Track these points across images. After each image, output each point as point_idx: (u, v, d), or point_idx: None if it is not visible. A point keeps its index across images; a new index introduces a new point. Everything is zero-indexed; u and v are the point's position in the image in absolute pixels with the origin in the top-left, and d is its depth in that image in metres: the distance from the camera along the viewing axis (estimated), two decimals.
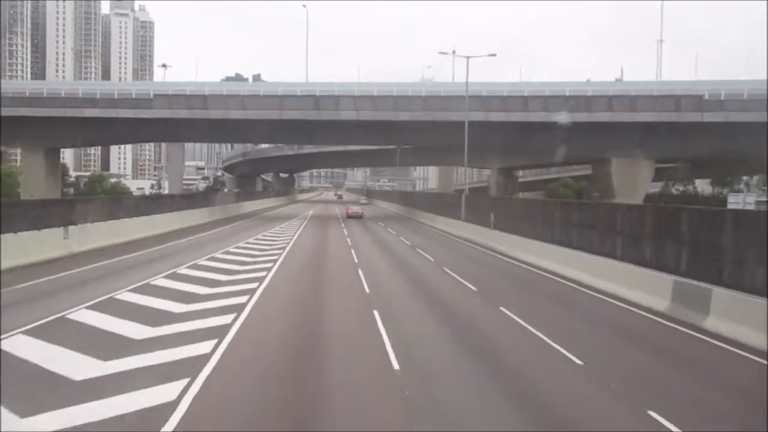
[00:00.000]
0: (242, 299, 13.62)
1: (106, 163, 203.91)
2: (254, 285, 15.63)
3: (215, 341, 9.94)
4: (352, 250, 24.68)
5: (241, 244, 26.32)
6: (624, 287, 15.04)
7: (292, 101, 44.06)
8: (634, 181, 44.37)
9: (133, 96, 45.36)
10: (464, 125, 36.76)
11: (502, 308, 13.30)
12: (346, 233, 33.78)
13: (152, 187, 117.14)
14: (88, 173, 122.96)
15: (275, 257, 21.87)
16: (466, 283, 17.00)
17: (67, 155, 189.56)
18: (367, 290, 15.47)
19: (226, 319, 11.61)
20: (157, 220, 30.53)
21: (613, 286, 15.56)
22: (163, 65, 72.21)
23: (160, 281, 16.12)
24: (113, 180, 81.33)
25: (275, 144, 79.92)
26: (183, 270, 18.20)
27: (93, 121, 45.11)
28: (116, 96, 45.37)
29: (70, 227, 22.42)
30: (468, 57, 34.65)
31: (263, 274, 17.70)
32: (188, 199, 42.24)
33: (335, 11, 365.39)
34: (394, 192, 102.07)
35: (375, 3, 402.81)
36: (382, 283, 16.87)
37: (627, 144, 43.47)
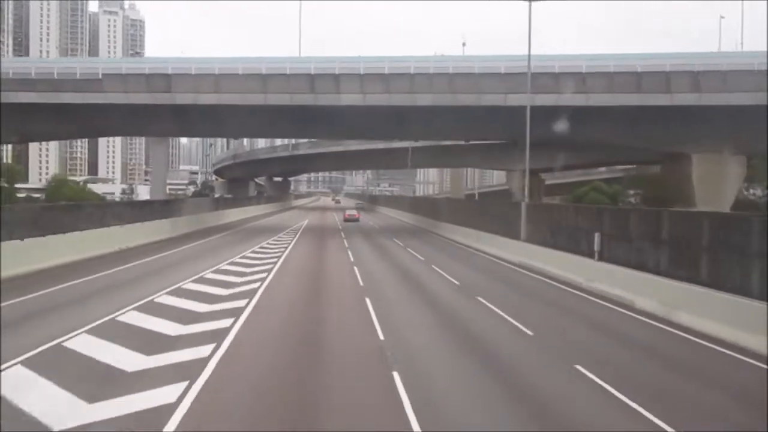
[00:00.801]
0: None
1: (94, 167, 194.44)
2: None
3: None
4: (368, 302, 14.58)
5: (198, 279, 16.26)
6: None
7: (280, 81, 34.05)
8: (720, 183, 34.50)
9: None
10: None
11: None
12: (351, 259, 23.59)
13: (123, 192, 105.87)
14: (83, 178, 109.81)
15: (242, 305, 11.84)
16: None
17: (51, 159, 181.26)
18: None
19: None
20: (73, 240, 20.49)
21: None
22: (136, 53, 62.09)
23: None
24: (81, 184, 71.10)
25: (265, 138, 69.93)
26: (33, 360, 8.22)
27: (31, 108, 35.10)
28: (56, 76, 35.35)
29: None
30: (530, 0, 24.14)
31: (207, 350, 7.71)
32: (144, 209, 32.08)
33: (334, 11, 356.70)
34: (402, 197, 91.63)
35: (375, 3, 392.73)
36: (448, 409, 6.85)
37: (712, 134, 33.64)
